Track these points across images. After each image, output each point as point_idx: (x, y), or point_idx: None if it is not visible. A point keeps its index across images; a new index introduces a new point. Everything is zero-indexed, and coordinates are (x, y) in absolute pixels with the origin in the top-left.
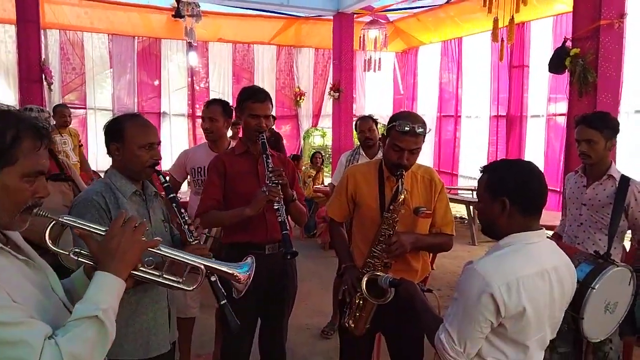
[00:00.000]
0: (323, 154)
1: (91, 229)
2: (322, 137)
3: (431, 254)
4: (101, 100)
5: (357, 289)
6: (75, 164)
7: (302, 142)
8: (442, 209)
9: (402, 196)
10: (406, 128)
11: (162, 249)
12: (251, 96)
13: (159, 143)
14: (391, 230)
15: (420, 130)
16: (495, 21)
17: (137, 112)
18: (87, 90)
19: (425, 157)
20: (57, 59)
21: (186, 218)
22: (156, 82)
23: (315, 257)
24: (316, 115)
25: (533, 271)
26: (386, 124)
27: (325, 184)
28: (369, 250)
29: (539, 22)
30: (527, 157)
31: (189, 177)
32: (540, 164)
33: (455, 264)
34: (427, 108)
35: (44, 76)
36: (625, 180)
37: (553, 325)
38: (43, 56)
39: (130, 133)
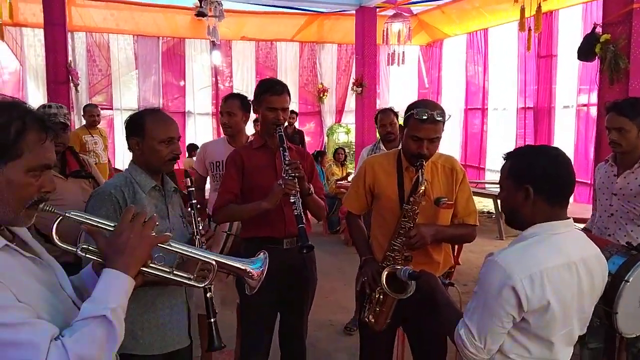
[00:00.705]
0: (346, 150)
1: (100, 225)
2: (346, 134)
3: (457, 247)
4: (127, 101)
5: (377, 282)
6: (105, 163)
7: (325, 138)
8: (464, 198)
9: (423, 187)
10: (424, 116)
11: (172, 244)
12: (269, 89)
13: (179, 138)
14: (411, 222)
15: (440, 117)
16: (522, 10)
17: (158, 107)
18: (113, 91)
19: (453, 151)
20: (84, 61)
21: (200, 228)
22: (181, 83)
23: (338, 253)
24: (339, 112)
25: (559, 263)
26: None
27: (349, 180)
28: (388, 244)
29: (568, 10)
30: None
31: (209, 172)
32: (570, 156)
33: (482, 259)
34: (453, 101)
35: (70, 78)
36: None
37: (582, 320)
38: (70, 58)
39: (150, 127)
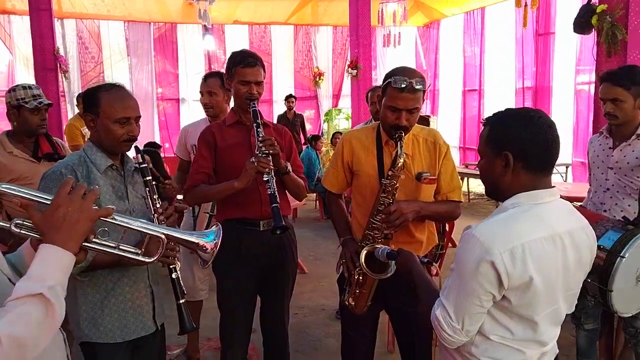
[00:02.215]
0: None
1: (36, 198)
2: (347, 119)
3: (447, 229)
4: None
5: (355, 263)
6: None
7: (323, 124)
8: (447, 173)
9: (401, 160)
10: (403, 84)
11: (116, 218)
12: (240, 61)
13: (138, 118)
14: (391, 198)
15: (419, 86)
16: None
17: (118, 83)
18: (105, 79)
19: (452, 133)
20: (75, 48)
21: (157, 206)
22: (175, 69)
23: (335, 238)
24: (336, 96)
25: (542, 235)
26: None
27: None
28: (367, 222)
29: None
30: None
31: (191, 155)
32: (569, 136)
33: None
34: (450, 83)
35: (58, 65)
36: None
37: (569, 297)
38: (59, 45)
39: (105, 105)
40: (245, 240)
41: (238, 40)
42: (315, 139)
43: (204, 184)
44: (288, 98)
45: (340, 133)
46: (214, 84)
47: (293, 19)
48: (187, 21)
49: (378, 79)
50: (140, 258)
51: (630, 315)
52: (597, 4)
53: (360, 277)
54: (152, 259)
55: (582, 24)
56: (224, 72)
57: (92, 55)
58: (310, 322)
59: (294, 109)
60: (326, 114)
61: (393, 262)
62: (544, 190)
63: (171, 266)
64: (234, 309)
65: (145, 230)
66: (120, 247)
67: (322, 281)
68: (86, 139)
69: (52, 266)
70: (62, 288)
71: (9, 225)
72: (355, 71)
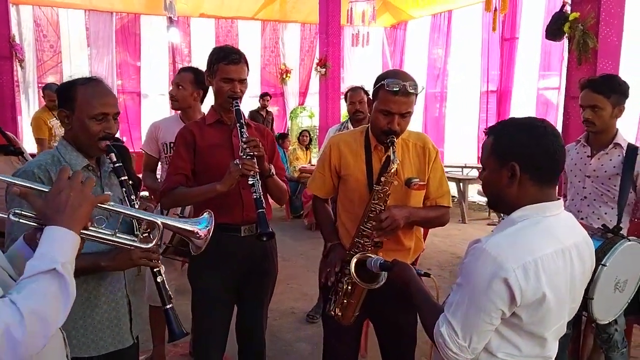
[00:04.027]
0: (310, 134)
1: (33, 187)
2: (310, 117)
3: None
4: None
5: (344, 271)
6: None
7: (289, 122)
8: (436, 179)
9: (395, 166)
10: (396, 87)
11: (113, 205)
12: (224, 57)
13: (116, 114)
14: (382, 205)
15: (412, 89)
16: None
17: (96, 77)
18: (64, 69)
19: None
20: (32, 36)
21: (136, 207)
22: (136, 62)
23: (301, 238)
24: (303, 94)
25: (552, 249)
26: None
27: (313, 163)
28: (357, 229)
29: None
30: None
31: (162, 154)
32: None
33: (446, 242)
34: None
35: (14, 53)
36: (633, 149)
37: (572, 310)
38: (14, 33)
39: (82, 100)
40: (225, 246)
41: (204, 34)
42: (283, 137)
43: (182, 186)
44: (263, 96)
45: (308, 132)
46: (185, 78)
47: (261, 15)
48: (151, 12)
49: (345, 78)
50: (138, 244)
51: (607, 322)
52: (569, 12)
53: (349, 287)
54: (149, 245)
55: (554, 31)
56: (206, 68)
57: (51, 44)
58: (280, 326)
59: (267, 106)
60: (292, 112)
61: (384, 272)
62: (551, 203)
63: (155, 269)
64: (211, 316)
65: (142, 217)
66: (117, 234)
67: (290, 283)
68: (54, 132)
69: (61, 245)
70: (72, 266)
71: (7, 216)
72: (324, 70)
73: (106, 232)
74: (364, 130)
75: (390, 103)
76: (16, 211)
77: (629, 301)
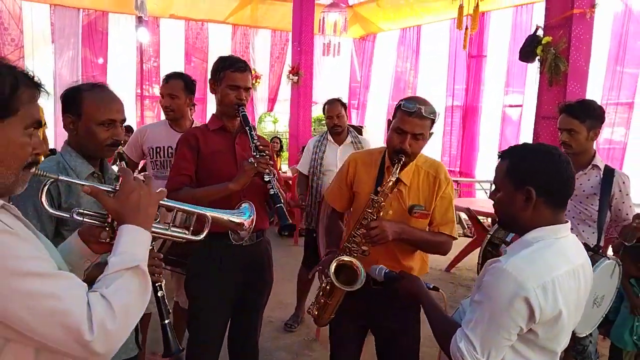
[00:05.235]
0: (281, 140)
1: (99, 186)
2: (274, 123)
3: None
4: (42, 77)
5: (326, 272)
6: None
7: (257, 126)
8: (443, 206)
9: (393, 179)
10: (411, 109)
11: (167, 201)
12: (231, 65)
13: (123, 121)
14: (375, 215)
15: (427, 114)
16: (461, 8)
17: (102, 83)
18: (26, 65)
19: (377, 145)
20: None
21: None
22: (101, 60)
23: (276, 245)
24: (272, 100)
25: (565, 269)
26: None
27: (284, 170)
28: (349, 234)
29: (499, 12)
30: (481, 149)
31: (147, 158)
32: (494, 154)
33: (434, 257)
34: (380, 97)
35: None
36: (609, 171)
37: (574, 326)
38: None
39: (89, 106)
40: (227, 256)
41: (173, 35)
42: None
43: (187, 187)
44: None
45: (279, 138)
46: (176, 87)
47: (231, 19)
48: (119, 10)
49: (315, 86)
50: (190, 237)
51: (584, 335)
52: (542, 36)
53: (328, 286)
54: (201, 237)
55: (527, 53)
56: (210, 75)
57: (12, 38)
58: None
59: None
60: (259, 118)
61: (363, 274)
62: (562, 225)
63: (157, 284)
64: (209, 328)
65: (194, 211)
66: (172, 228)
67: None
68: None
69: (139, 244)
70: (146, 267)
71: (69, 215)
72: (297, 78)
73: (161, 226)
74: (382, 151)
75: (404, 123)
76: (79, 211)
77: (604, 315)
